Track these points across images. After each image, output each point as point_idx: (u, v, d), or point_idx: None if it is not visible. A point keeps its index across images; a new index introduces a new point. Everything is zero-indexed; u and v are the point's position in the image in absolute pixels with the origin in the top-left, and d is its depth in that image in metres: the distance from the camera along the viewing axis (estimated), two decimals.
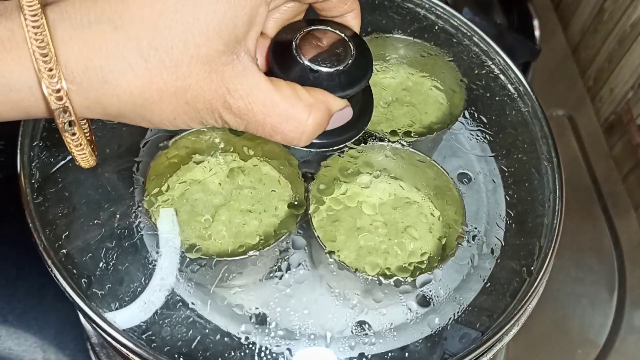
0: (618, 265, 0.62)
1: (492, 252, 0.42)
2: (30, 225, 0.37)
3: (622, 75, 0.70)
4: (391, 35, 0.50)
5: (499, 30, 0.65)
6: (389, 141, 0.43)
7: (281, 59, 0.33)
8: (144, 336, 0.36)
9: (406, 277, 0.38)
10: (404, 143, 0.44)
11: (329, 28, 0.34)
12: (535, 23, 0.73)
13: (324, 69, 0.32)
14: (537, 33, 0.73)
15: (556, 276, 0.58)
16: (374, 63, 0.36)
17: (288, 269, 0.40)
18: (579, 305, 0.59)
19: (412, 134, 0.46)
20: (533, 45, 0.68)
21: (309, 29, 0.34)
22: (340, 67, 0.33)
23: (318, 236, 0.39)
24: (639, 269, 0.62)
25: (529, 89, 0.49)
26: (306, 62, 0.32)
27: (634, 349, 0.57)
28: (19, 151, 0.40)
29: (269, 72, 0.33)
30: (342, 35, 0.34)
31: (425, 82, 0.51)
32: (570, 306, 0.59)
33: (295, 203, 0.40)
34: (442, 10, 0.52)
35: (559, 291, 0.60)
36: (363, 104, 0.38)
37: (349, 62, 0.33)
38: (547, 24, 0.80)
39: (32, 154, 0.40)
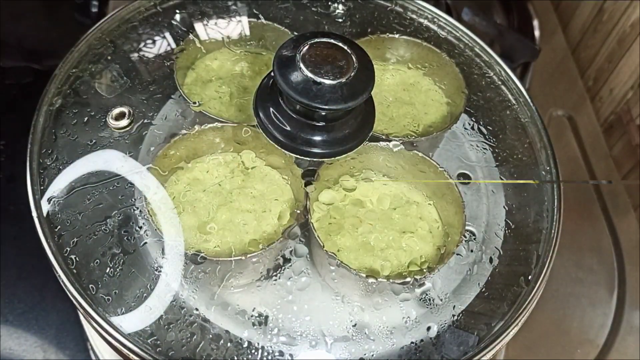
0: (618, 266, 0.62)
1: (491, 260, 0.42)
2: (40, 231, 0.38)
3: (621, 75, 0.69)
4: (392, 35, 0.50)
5: (499, 30, 0.65)
6: (389, 141, 0.43)
7: (285, 71, 0.33)
8: (149, 340, 0.36)
9: (405, 281, 0.38)
10: (404, 143, 0.43)
11: (332, 41, 0.35)
12: (535, 23, 0.73)
13: (327, 81, 0.33)
14: (537, 33, 0.73)
15: (556, 276, 0.58)
16: (373, 62, 0.36)
17: (290, 273, 0.40)
18: (579, 305, 0.59)
19: (412, 134, 0.46)
20: (533, 45, 0.67)
21: (312, 41, 0.35)
22: (343, 80, 0.33)
23: (318, 236, 0.39)
24: (639, 269, 0.62)
25: (529, 100, 0.49)
26: (310, 75, 0.33)
27: (634, 349, 0.56)
28: (28, 158, 0.40)
29: (273, 85, 0.34)
30: (345, 47, 0.35)
31: (425, 81, 0.51)
32: (570, 306, 0.59)
33: (297, 211, 0.40)
34: (444, 20, 0.53)
35: (558, 291, 0.59)
36: (365, 115, 0.39)
37: (352, 74, 0.34)
38: (547, 24, 0.79)
39: (40, 160, 0.41)
